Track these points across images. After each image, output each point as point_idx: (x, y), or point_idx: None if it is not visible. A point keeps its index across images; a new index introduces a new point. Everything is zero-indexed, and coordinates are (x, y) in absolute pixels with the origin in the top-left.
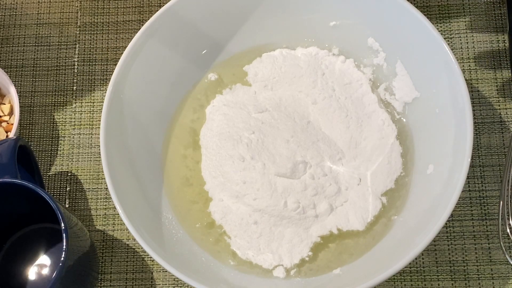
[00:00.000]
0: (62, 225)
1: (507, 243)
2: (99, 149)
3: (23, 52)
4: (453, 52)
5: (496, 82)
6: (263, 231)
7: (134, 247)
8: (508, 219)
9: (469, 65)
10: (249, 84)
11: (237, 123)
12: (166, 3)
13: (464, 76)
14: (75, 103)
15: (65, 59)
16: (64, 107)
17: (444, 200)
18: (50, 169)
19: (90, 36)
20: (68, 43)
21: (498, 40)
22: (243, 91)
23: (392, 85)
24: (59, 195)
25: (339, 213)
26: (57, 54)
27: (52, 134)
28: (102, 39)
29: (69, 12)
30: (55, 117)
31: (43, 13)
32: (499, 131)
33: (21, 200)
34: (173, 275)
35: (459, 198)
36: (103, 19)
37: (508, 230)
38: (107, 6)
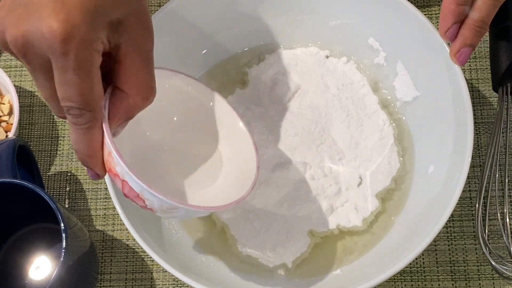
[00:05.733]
0: (62, 225)
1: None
2: None
3: None
4: None
5: None
6: (264, 231)
7: (134, 247)
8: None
9: (469, 65)
10: (249, 84)
11: None
12: (166, 3)
13: (464, 76)
14: None
15: None
16: None
17: (444, 200)
18: (49, 169)
19: None
20: None
21: None
22: (242, 93)
23: (392, 84)
24: (59, 195)
25: (339, 213)
26: None
27: (52, 134)
28: None
29: None
30: (55, 117)
31: None
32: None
33: (21, 200)
34: (173, 275)
35: (459, 198)
36: None
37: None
38: None
